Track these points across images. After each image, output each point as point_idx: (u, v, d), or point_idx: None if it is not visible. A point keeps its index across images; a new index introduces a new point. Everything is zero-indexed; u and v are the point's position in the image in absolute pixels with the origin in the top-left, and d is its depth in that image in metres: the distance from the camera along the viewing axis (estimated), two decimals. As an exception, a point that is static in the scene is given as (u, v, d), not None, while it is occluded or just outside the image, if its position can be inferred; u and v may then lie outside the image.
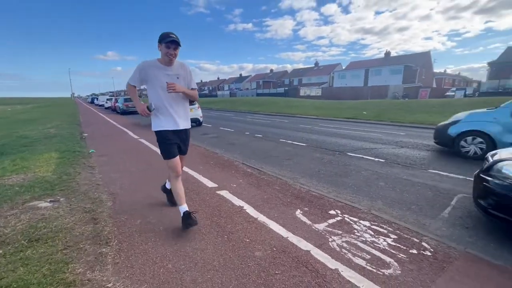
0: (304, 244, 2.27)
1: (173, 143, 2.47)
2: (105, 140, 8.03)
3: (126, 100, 19.88)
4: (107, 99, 29.46)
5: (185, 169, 4.57)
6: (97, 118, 17.05)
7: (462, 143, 5.59)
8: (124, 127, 11.12)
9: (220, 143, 7.54)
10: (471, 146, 5.50)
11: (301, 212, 2.92)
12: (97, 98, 42.03)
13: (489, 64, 28.43)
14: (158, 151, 6.10)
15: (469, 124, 5.52)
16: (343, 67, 48.02)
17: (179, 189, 2.53)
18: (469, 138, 5.51)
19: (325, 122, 12.98)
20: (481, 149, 5.33)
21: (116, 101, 22.58)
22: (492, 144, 5.17)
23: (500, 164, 2.48)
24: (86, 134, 9.01)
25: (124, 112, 19.14)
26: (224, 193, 3.48)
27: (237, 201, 3.21)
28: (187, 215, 2.46)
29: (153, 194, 3.46)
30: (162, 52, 2.28)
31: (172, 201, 2.99)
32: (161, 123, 2.44)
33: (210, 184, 3.83)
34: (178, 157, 2.51)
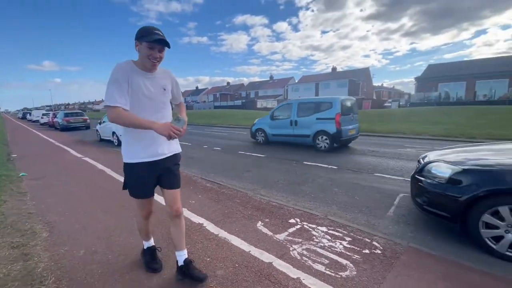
0: (266, 256, 2.26)
1: (147, 180, 1.84)
2: (41, 161, 7.05)
3: (67, 115, 17.91)
4: (43, 114, 26.15)
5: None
6: (31, 136, 14.93)
7: (257, 136, 9.49)
8: (65, 145, 9.94)
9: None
10: (260, 137, 9.38)
11: (262, 223, 2.93)
12: (30, 113, 36.95)
13: (416, 79, 33.21)
14: (106, 169, 5.54)
15: (257, 125, 9.53)
16: (296, 81, 50.96)
17: (145, 226, 2.09)
18: (259, 132, 9.41)
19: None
20: (263, 138, 9.26)
21: (55, 116, 20.16)
22: (266, 134, 9.12)
23: (429, 165, 2.86)
24: (15, 155, 7.79)
25: (65, 128, 17.17)
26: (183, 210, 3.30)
27: (196, 218, 3.07)
28: (152, 253, 2.15)
29: (100, 218, 3.11)
30: (142, 53, 1.64)
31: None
32: (137, 153, 1.75)
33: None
34: (152, 198, 1.95)
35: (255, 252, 2.34)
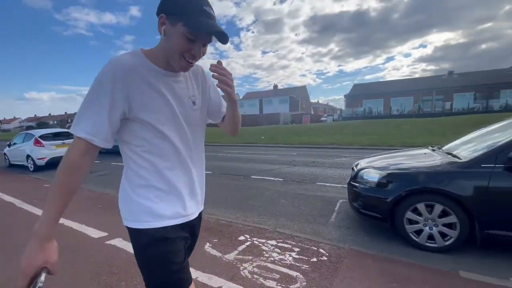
0: (215, 281, 2.11)
1: (182, 258, 0.93)
2: None
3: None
4: None
5: (62, 220, 3.58)
6: None
7: None
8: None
9: (113, 181, 6.44)
10: None
11: (210, 245, 2.76)
12: None
13: (345, 96, 37.86)
14: (16, 201, 4.63)
15: None
16: (241, 97, 52.32)
17: None
18: None
19: (228, 148, 13.43)
20: None
21: None
22: None
23: (361, 172, 3.17)
24: None
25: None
26: (117, 241, 2.89)
27: (135, 248, 2.72)
28: None
29: (2, 263, 2.48)
30: (172, 43, 0.83)
31: None
32: (160, 209, 0.90)
33: (97, 234, 3.12)
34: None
35: (203, 277, 2.17)
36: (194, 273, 2.23)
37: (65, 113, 78.22)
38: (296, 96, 44.19)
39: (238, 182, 5.88)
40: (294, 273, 2.19)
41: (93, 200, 4.62)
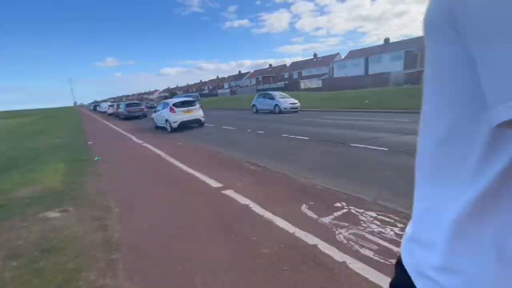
0: (310, 238, 2.28)
1: None
2: (110, 146, 8.13)
3: (128, 105, 20.06)
4: (109, 106, 29.79)
5: (190, 170, 4.62)
6: (101, 125, 17.24)
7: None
8: (127, 132, 11.23)
9: (224, 142, 7.57)
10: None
11: (307, 206, 2.93)
12: (99, 105, 42.54)
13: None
14: (162, 153, 6.07)
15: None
16: (342, 57, 47.52)
17: None
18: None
19: (327, 114, 12.90)
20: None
21: (118, 107, 22.79)
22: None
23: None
24: (91, 142, 9.13)
25: (127, 118, 19.32)
26: (230, 192, 3.51)
27: (243, 200, 3.23)
28: None
29: (164, 191, 3.51)
30: None
31: None
32: None
33: (215, 184, 3.86)
34: None
35: (300, 233, 2.38)
36: (292, 228, 2.48)
37: (187, 84, 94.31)
38: (414, 49, 36.06)
39: (336, 149, 5.70)
40: (395, 248, 2.07)
41: (210, 158, 5.65)
